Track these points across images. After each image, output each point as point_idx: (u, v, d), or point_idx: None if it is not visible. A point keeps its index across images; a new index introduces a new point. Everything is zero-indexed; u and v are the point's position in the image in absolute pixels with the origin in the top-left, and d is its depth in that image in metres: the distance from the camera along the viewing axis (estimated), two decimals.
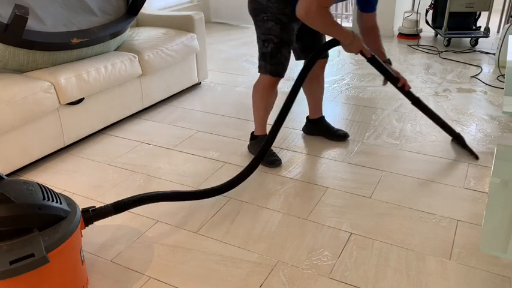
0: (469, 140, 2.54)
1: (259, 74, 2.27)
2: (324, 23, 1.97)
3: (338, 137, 2.59)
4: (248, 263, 1.68)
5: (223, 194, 2.09)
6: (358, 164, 2.34)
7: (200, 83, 3.59)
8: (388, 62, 2.32)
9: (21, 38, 2.23)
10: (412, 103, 2.36)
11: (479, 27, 4.50)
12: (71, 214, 1.46)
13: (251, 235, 1.83)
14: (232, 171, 2.29)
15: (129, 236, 1.85)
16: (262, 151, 2.11)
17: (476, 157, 2.36)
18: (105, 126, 2.76)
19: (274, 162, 2.34)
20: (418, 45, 4.50)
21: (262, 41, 2.19)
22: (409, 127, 2.74)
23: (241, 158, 2.42)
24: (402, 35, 4.79)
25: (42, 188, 1.46)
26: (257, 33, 2.22)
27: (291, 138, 2.63)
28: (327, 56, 2.47)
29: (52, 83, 2.34)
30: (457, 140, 2.46)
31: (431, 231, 1.83)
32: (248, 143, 2.54)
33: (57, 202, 1.44)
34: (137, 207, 1.99)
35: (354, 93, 3.30)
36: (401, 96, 3.09)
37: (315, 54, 2.13)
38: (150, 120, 2.94)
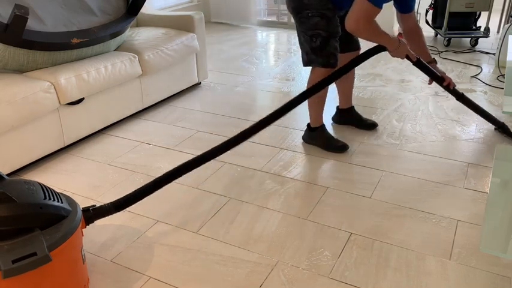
0: (469, 140, 2.54)
1: (310, 68, 2.33)
2: (372, 34, 2.09)
3: (368, 126, 2.71)
4: (248, 263, 1.68)
5: (222, 194, 2.10)
6: (358, 164, 2.34)
7: (200, 83, 3.59)
8: (434, 61, 2.38)
9: (21, 38, 2.23)
10: (457, 99, 2.44)
11: (479, 27, 4.50)
12: (72, 213, 1.46)
13: (251, 235, 1.83)
14: (233, 171, 2.29)
15: (129, 236, 1.85)
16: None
17: None
18: (105, 126, 2.76)
19: (343, 147, 2.46)
20: None
21: (309, 36, 2.23)
22: (409, 127, 2.74)
23: (241, 158, 2.42)
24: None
25: (43, 187, 1.46)
26: (301, 29, 2.26)
27: (291, 138, 2.63)
28: (359, 48, 2.54)
29: (52, 83, 2.34)
30: (502, 129, 2.58)
31: (431, 231, 1.83)
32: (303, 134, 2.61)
33: (58, 201, 1.45)
34: (137, 207, 2.00)
35: (354, 93, 3.29)
36: (401, 96, 3.09)
37: (357, 60, 2.17)
38: (150, 120, 2.95)
